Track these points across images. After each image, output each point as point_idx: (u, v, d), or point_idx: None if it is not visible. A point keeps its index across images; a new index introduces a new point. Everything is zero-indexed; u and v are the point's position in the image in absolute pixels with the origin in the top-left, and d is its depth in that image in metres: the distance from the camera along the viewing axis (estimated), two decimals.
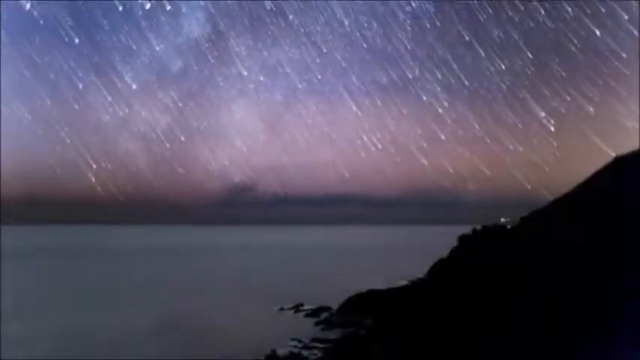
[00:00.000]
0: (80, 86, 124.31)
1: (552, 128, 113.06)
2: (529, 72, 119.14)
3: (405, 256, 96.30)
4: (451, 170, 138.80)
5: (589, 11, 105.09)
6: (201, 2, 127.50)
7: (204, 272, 74.02)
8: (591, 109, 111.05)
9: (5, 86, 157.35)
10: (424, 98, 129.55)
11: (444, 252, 42.99)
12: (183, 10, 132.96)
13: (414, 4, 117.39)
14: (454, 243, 41.40)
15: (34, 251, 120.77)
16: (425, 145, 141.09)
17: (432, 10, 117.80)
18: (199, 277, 66.44)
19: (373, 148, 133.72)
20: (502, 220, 70.38)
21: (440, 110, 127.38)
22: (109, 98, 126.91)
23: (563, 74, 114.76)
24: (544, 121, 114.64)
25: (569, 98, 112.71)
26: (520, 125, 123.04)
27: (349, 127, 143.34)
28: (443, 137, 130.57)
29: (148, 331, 33.67)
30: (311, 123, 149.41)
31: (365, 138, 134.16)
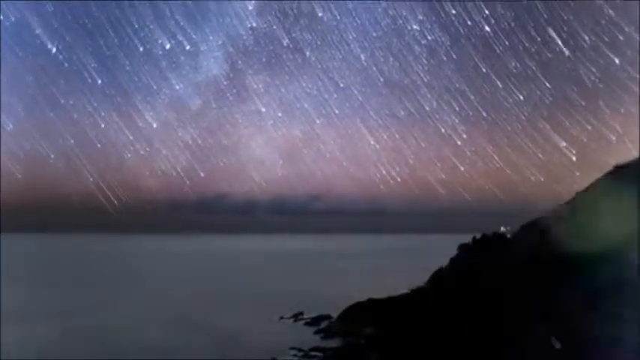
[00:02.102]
0: (102, 125, 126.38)
1: (574, 158, 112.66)
2: (548, 102, 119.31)
3: (408, 260, 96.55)
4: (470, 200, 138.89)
5: (607, 39, 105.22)
6: (220, 41, 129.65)
7: (205, 278, 73.75)
8: (613, 138, 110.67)
9: (30, 127, 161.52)
10: (442, 130, 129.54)
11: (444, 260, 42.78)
12: (202, 48, 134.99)
13: (429, 37, 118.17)
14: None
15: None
16: (444, 176, 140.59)
17: (448, 42, 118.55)
18: (200, 284, 66.09)
19: (392, 181, 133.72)
20: (502, 228, 70.12)
21: (458, 142, 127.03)
22: (130, 137, 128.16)
23: (583, 103, 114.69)
24: (565, 151, 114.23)
25: (589, 127, 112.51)
26: (540, 155, 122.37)
27: (367, 161, 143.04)
28: (462, 169, 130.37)
29: (148, 334, 33.79)
30: (329, 157, 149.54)
31: (383, 171, 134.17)
